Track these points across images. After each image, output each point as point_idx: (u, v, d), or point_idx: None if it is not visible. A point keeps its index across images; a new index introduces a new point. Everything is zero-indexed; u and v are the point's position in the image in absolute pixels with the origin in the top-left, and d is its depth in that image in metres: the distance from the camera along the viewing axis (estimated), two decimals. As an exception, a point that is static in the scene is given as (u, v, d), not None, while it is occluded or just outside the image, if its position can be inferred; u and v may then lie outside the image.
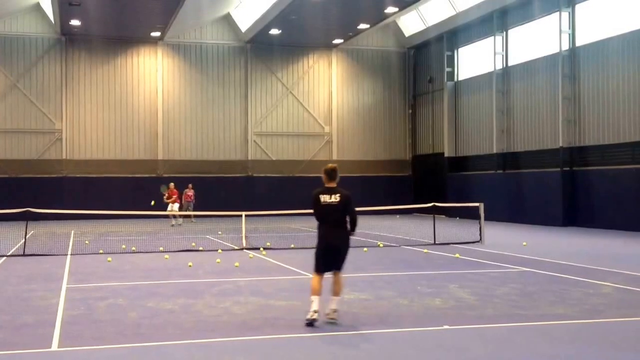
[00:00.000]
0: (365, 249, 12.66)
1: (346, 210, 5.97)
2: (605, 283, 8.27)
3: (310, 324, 5.75)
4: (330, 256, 5.96)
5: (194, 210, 20.55)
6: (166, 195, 20.18)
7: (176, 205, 19.85)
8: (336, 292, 5.94)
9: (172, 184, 20.47)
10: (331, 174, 6.05)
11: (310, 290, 5.94)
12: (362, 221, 23.83)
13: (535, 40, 20.52)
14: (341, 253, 5.98)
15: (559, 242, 14.28)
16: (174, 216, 20.03)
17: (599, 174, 17.95)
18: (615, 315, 6.36)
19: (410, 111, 27.44)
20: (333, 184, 6.08)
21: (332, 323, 5.83)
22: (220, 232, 17.94)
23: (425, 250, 12.34)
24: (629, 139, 17.04)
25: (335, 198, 5.96)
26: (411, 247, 13.03)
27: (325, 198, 5.98)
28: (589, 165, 18.42)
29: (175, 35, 24.96)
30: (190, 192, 21.29)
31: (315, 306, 5.77)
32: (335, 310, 5.88)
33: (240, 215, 13.79)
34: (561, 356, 4.93)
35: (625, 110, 17.19)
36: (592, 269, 9.60)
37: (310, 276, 9.11)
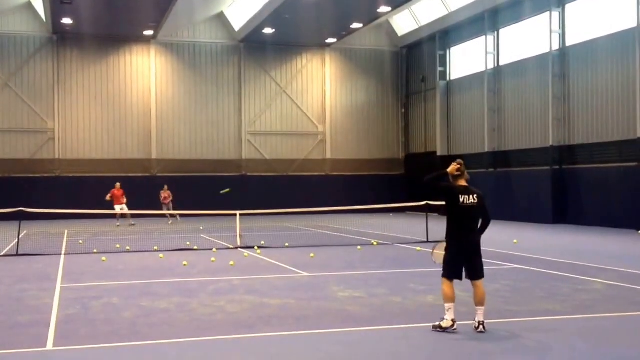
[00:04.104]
0: (359, 247, 12.74)
1: (483, 210, 5.50)
2: (594, 279, 8.39)
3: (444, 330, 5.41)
4: (466, 263, 5.49)
5: (172, 210, 19.91)
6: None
7: (122, 206, 19.26)
8: (482, 302, 5.48)
9: (118, 184, 20.04)
10: (463, 170, 5.45)
11: (443, 297, 5.51)
12: (355, 220, 23.50)
13: (526, 40, 20.68)
14: (478, 259, 5.53)
15: (549, 240, 14.44)
16: (122, 216, 19.72)
17: (588, 172, 18.15)
18: (604, 311, 6.48)
19: (403, 110, 27.56)
20: (464, 182, 5.50)
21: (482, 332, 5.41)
22: (201, 227, 18.02)
23: (418, 248, 12.44)
24: (617, 138, 17.24)
25: (474, 199, 5.44)
26: (404, 245, 13.13)
27: (465, 198, 5.41)
28: (578, 163, 18.62)
29: (168, 34, 24.90)
30: (165, 194, 20.61)
31: (452, 314, 5.40)
32: (482, 323, 5.44)
33: (235, 214, 13.82)
34: (551, 351, 5.02)
35: (613, 110, 17.39)
36: (581, 266, 9.73)
37: (304, 274, 9.24)
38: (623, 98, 17.02)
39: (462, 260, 5.55)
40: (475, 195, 5.49)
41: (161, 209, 20.11)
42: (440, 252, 5.75)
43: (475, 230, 5.57)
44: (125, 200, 19.45)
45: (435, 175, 5.60)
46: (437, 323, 5.56)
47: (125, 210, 19.04)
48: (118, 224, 19.61)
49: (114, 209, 19.12)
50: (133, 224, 19.59)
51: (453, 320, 5.47)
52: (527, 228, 17.61)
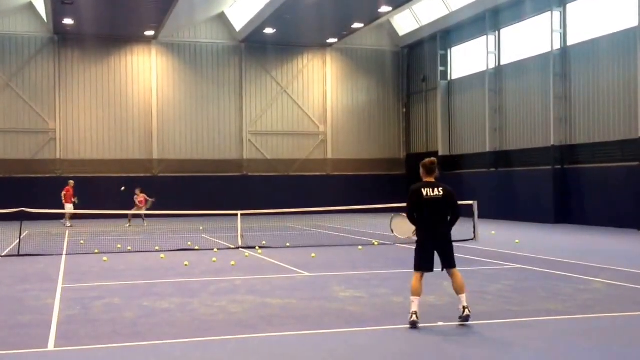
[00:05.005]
0: (360, 247, 12.74)
1: (451, 204, 5.77)
2: (596, 279, 8.39)
3: (414, 326, 5.57)
4: (440, 253, 5.75)
5: (140, 213, 19.45)
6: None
7: (69, 206, 19.07)
8: (461, 289, 5.71)
9: (71, 182, 19.94)
10: (431, 167, 5.80)
11: (411, 290, 5.71)
12: (356, 219, 23.45)
13: (527, 39, 20.67)
14: (448, 249, 5.80)
15: (551, 239, 14.43)
16: (65, 217, 19.61)
17: (590, 171, 18.14)
18: (605, 311, 6.47)
19: (404, 110, 27.55)
20: (432, 179, 5.82)
21: (466, 320, 5.62)
22: (201, 227, 18.02)
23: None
24: (619, 137, 17.23)
25: (438, 192, 5.74)
26: (406, 245, 13.11)
27: (429, 192, 5.73)
28: (580, 163, 18.61)
29: (170, 34, 24.93)
30: (140, 197, 19.80)
31: (415, 307, 5.58)
32: (467, 307, 5.67)
33: (236, 214, 13.83)
34: (552, 351, 5.01)
35: (615, 109, 17.37)
36: (583, 266, 9.72)
37: (305, 274, 9.23)
38: (625, 97, 17.00)
39: (432, 250, 5.81)
40: (440, 189, 5.78)
41: (131, 209, 19.32)
42: (399, 224, 6.05)
43: (443, 222, 5.81)
44: (73, 200, 19.36)
45: (409, 219, 5.95)
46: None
47: (68, 210, 18.78)
48: (68, 224, 19.51)
49: (64, 208, 18.89)
50: (70, 226, 19.40)
51: (414, 313, 5.64)
52: (528, 228, 17.60)
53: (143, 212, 19.45)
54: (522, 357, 4.89)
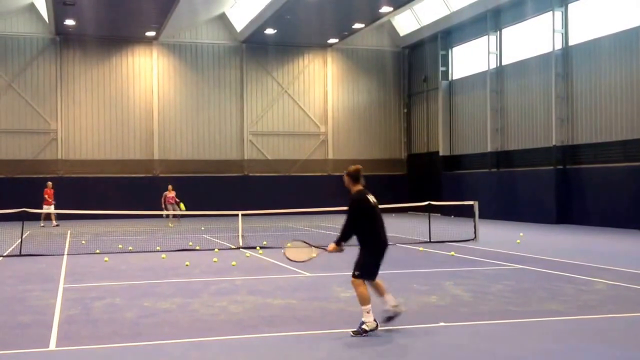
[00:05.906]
0: (360, 247, 12.71)
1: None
2: (598, 280, 8.37)
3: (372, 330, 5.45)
4: (381, 261, 5.61)
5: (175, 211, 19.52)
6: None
7: (50, 207, 18.94)
8: (385, 289, 5.68)
9: (50, 183, 20.02)
10: (357, 175, 5.63)
11: (362, 300, 5.45)
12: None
13: (528, 39, 20.65)
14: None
15: (552, 240, 14.41)
16: (46, 217, 19.55)
17: (592, 172, 18.10)
18: (607, 312, 6.46)
19: (405, 110, 27.54)
20: (361, 186, 5.65)
21: (398, 314, 5.66)
22: (202, 228, 17.99)
23: (421, 249, 12.44)
24: (621, 137, 17.19)
25: (375, 199, 5.61)
26: (407, 246, 13.11)
27: (372, 199, 5.55)
28: (582, 163, 18.57)
29: (171, 35, 24.95)
30: (171, 195, 19.81)
31: (373, 315, 5.40)
32: (398, 304, 5.71)
33: (237, 215, 13.83)
34: (554, 352, 5.00)
35: (617, 109, 17.34)
36: (584, 266, 9.71)
37: (305, 274, 9.24)
38: (627, 97, 16.97)
39: (382, 258, 5.64)
40: (373, 196, 5.62)
41: (166, 209, 19.54)
42: (294, 252, 5.89)
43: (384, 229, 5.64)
44: (53, 201, 19.35)
45: (344, 234, 5.59)
46: (358, 328, 5.46)
47: (52, 211, 18.71)
48: (42, 224, 19.38)
49: (42, 209, 18.73)
50: (57, 225, 19.33)
51: (376, 321, 5.48)
52: (530, 228, 17.57)
53: (178, 211, 19.48)
54: (523, 358, 4.88)
